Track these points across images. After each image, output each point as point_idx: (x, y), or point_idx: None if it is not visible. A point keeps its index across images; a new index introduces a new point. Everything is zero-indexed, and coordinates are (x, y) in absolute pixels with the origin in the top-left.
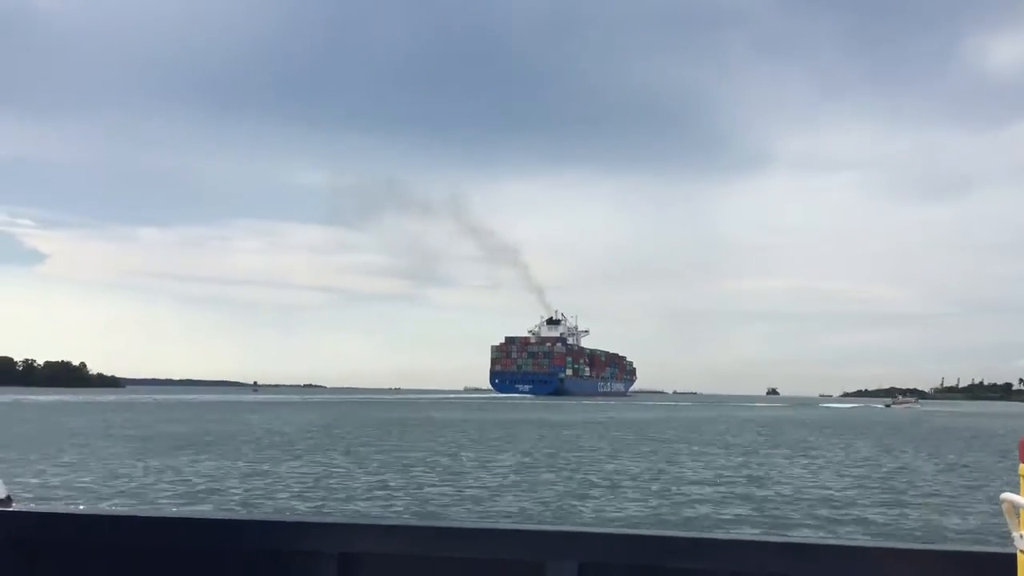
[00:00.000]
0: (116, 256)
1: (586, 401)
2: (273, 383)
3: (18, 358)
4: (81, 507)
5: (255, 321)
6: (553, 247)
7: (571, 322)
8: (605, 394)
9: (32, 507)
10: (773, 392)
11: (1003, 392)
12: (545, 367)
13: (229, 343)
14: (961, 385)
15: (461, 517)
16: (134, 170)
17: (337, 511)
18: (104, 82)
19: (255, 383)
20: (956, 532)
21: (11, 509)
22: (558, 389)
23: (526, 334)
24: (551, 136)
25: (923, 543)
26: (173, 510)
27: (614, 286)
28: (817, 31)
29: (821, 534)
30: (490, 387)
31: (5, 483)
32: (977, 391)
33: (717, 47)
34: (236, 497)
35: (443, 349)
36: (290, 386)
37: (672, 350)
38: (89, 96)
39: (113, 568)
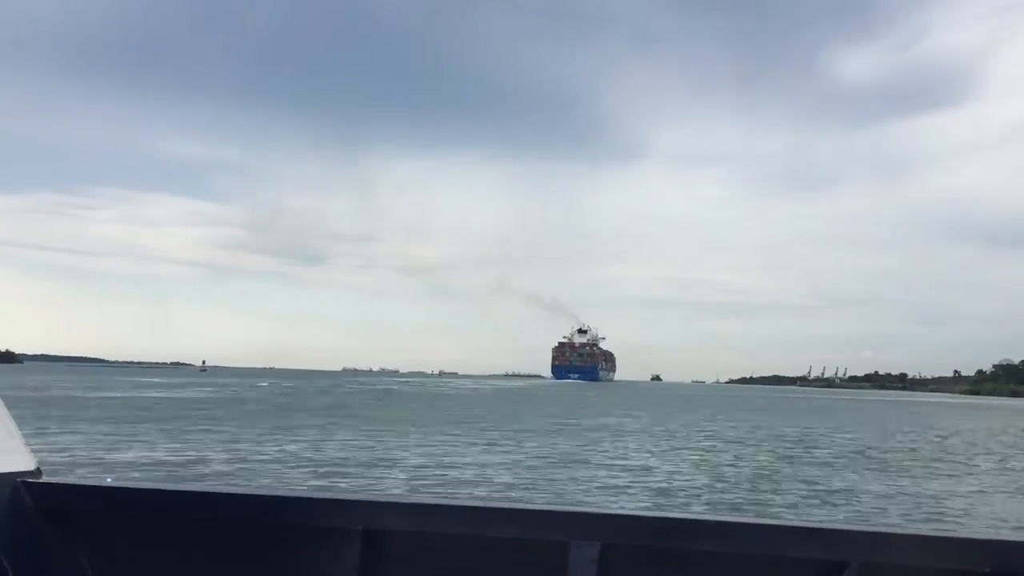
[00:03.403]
0: None
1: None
2: (135, 361)
3: None
4: (109, 480)
5: (113, 295)
6: (435, 229)
7: (593, 331)
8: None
9: (61, 479)
10: (657, 378)
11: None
12: (588, 362)
13: (95, 317)
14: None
15: (485, 496)
16: None
17: (361, 488)
18: None
19: (203, 362)
20: None
21: (41, 480)
22: (595, 378)
23: (563, 340)
24: (436, 118)
25: (952, 531)
26: (201, 485)
27: (495, 269)
28: (694, 30)
29: (850, 520)
30: (550, 375)
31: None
32: (877, 379)
33: (598, 41)
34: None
35: (320, 328)
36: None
37: (551, 337)
38: None
39: (141, 539)
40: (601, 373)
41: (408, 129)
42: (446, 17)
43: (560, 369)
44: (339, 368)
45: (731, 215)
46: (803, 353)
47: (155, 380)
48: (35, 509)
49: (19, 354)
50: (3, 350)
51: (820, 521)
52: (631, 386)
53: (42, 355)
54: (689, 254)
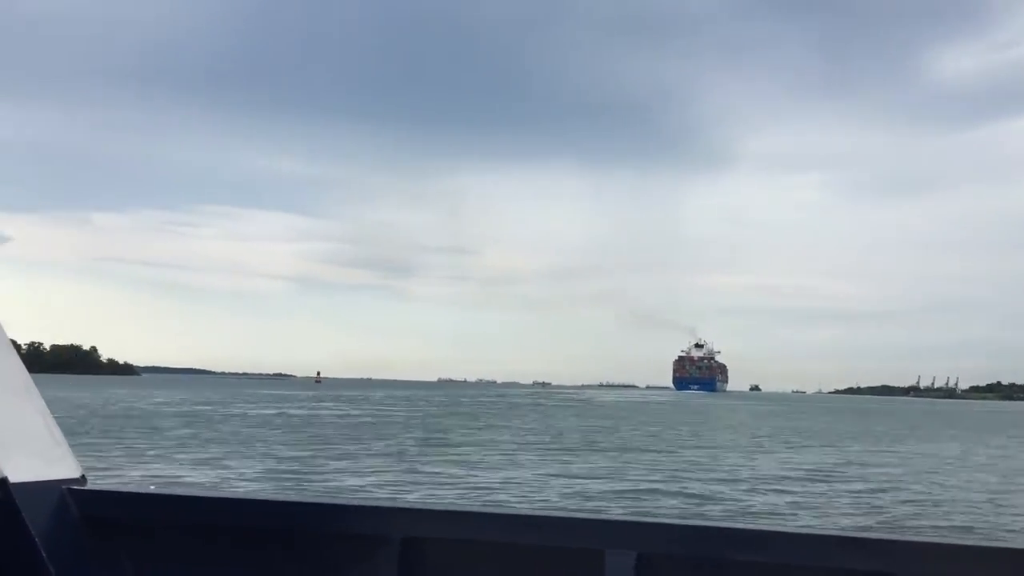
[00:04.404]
0: (77, 240)
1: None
2: (239, 372)
3: (23, 341)
4: (152, 487)
5: (218, 308)
6: (524, 241)
7: (709, 345)
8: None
9: (106, 486)
10: (755, 389)
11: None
12: (706, 374)
13: (200, 330)
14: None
15: (520, 505)
16: (93, 155)
17: (400, 497)
18: (65, 67)
19: (318, 373)
20: None
21: (86, 488)
22: (713, 389)
23: (681, 354)
24: (525, 130)
25: (1001, 541)
26: (241, 490)
27: (584, 279)
28: (784, 34)
29: (888, 528)
30: (671, 386)
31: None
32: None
33: (686, 49)
34: None
35: (414, 340)
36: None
37: (642, 346)
38: (48, 81)
39: (185, 546)
40: (718, 384)
41: (498, 141)
42: (534, 31)
43: (681, 381)
44: (435, 379)
45: (825, 220)
46: (908, 362)
47: (285, 392)
48: (80, 516)
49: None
50: (122, 363)
51: (864, 530)
52: (758, 397)
53: (154, 367)
54: (782, 261)
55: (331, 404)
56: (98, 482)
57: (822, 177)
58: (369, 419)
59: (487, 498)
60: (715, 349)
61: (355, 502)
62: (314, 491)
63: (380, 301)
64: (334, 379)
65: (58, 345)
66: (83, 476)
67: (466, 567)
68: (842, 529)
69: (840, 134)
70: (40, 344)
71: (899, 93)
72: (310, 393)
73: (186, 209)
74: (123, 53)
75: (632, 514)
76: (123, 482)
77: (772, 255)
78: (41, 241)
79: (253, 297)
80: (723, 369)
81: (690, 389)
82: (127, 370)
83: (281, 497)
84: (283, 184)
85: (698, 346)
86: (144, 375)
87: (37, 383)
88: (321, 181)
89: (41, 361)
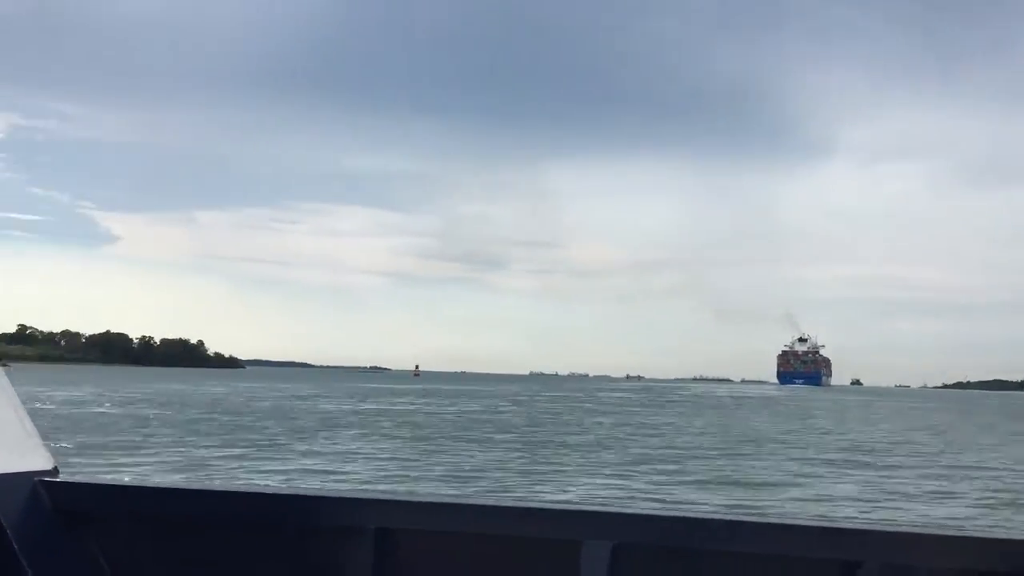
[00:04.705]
0: (182, 238)
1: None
2: (336, 365)
3: (134, 335)
4: (127, 479)
5: (314, 302)
6: (611, 233)
7: (813, 339)
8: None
9: (78, 478)
10: (857, 383)
11: None
12: (811, 369)
13: (298, 324)
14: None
15: (498, 495)
16: (196, 156)
17: (375, 488)
18: (169, 71)
19: (416, 367)
20: None
21: (58, 480)
22: (818, 383)
23: (785, 348)
24: (612, 121)
25: (969, 530)
26: (216, 484)
27: (673, 272)
28: (876, 19)
29: (862, 519)
30: (769, 380)
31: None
32: None
33: (780, 35)
34: None
35: (502, 333)
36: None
37: (734, 340)
38: (152, 84)
39: (157, 539)
40: (823, 379)
41: (584, 132)
42: (622, 22)
43: (785, 375)
44: (526, 372)
45: (925, 209)
46: (1021, 355)
47: (395, 387)
48: (52, 508)
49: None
50: (228, 356)
51: (834, 521)
52: (866, 391)
53: (256, 360)
54: (878, 252)
55: (499, 402)
56: (71, 474)
57: (921, 165)
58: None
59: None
60: (819, 343)
61: (329, 493)
62: (292, 483)
63: (469, 294)
64: (430, 372)
65: (168, 339)
66: (55, 468)
67: (441, 558)
68: (811, 518)
69: (940, 121)
70: (151, 338)
71: (999, 77)
72: (418, 387)
73: (284, 206)
74: (224, 55)
75: (608, 505)
76: (97, 475)
77: (869, 246)
78: (148, 240)
79: (347, 292)
80: (827, 363)
81: (794, 383)
82: (232, 363)
83: (255, 489)
84: (376, 180)
85: (801, 340)
86: (248, 368)
87: (159, 376)
88: (412, 177)
89: (151, 355)
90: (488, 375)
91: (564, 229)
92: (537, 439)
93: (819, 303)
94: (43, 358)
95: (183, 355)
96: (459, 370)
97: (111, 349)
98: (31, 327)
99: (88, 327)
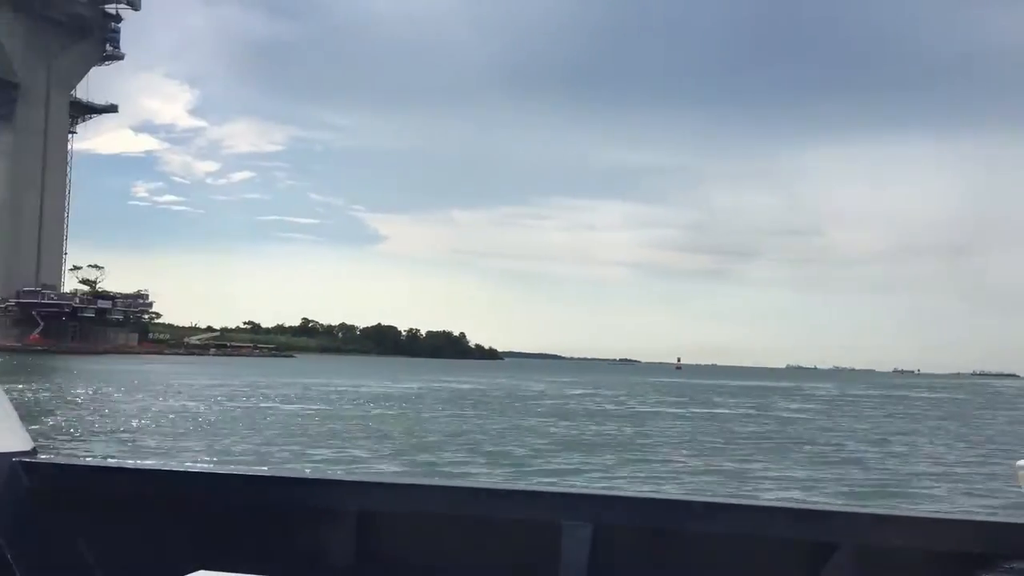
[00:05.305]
0: (441, 237)
1: None
2: (587, 357)
3: (403, 327)
4: (109, 460)
5: (565, 296)
6: (870, 218)
7: None
8: None
9: (57, 458)
10: None
11: None
12: None
13: (549, 318)
14: None
15: (480, 478)
16: (450, 157)
17: (357, 470)
18: (423, 79)
19: (679, 359)
20: None
21: (37, 460)
22: None
23: None
24: (869, 98)
25: (940, 512)
26: (197, 466)
27: (945, 258)
28: None
29: (839, 501)
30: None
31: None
32: None
33: None
34: None
35: (756, 325)
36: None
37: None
38: (409, 92)
39: (137, 520)
40: None
41: (840, 112)
42: None
43: None
44: (783, 366)
45: None
46: None
47: (681, 381)
48: (31, 489)
49: (526, 352)
50: (488, 348)
51: (810, 503)
52: None
53: (512, 352)
54: None
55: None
56: (50, 455)
57: None
58: None
59: None
60: None
61: (309, 475)
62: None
63: (720, 286)
64: (689, 365)
65: (432, 331)
66: (34, 449)
67: (423, 540)
68: (789, 501)
69: None
70: (417, 330)
71: None
72: (708, 382)
73: (536, 203)
74: (477, 58)
75: (588, 487)
76: (77, 455)
77: None
78: (411, 239)
79: (598, 285)
80: None
81: None
82: (492, 355)
83: (235, 470)
84: (625, 174)
85: None
86: (506, 360)
87: (447, 368)
88: (660, 169)
89: (418, 346)
90: (742, 368)
91: (822, 216)
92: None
93: None
94: (323, 349)
95: (447, 346)
96: (710, 363)
97: (383, 340)
98: (313, 321)
99: (361, 320)
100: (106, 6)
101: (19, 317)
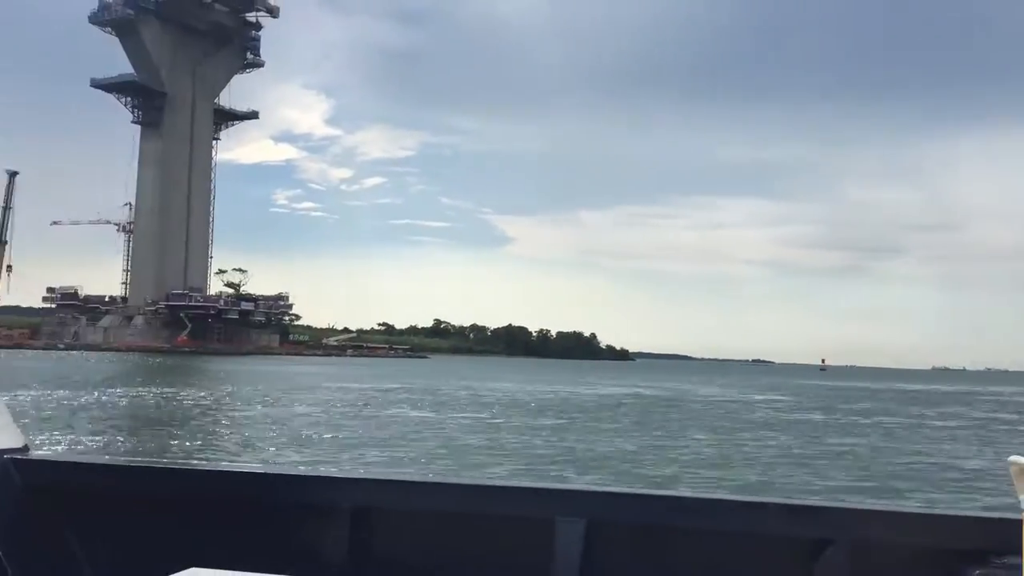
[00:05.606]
0: (568, 238)
1: None
2: (717, 358)
3: (533, 328)
4: (105, 457)
5: (693, 295)
6: (1016, 211)
7: None
8: None
9: (49, 456)
10: None
11: None
12: None
13: (677, 318)
14: None
15: (473, 474)
16: (576, 158)
17: (352, 467)
18: (548, 81)
19: (823, 361)
20: None
21: (29, 457)
22: None
23: None
24: (1011, 87)
25: (933, 508)
26: (192, 461)
27: None
28: None
29: (832, 497)
30: None
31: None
32: None
33: None
34: None
35: (896, 324)
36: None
37: None
38: (535, 95)
39: (128, 517)
40: None
41: (986, 100)
42: None
43: None
44: (928, 367)
45: None
46: None
47: (845, 384)
48: (23, 486)
49: (656, 353)
50: (619, 348)
51: (805, 499)
52: None
53: (641, 352)
54: None
55: None
56: (42, 452)
57: None
58: None
59: None
60: None
61: (303, 472)
62: (265, 462)
63: (857, 283)
64: (830, 367)
65: (563, 332)
66: (26, 446)
67: (417, 537)
68: (783, 497)
69: None
70: (548, 331)
71: None
72: (859, 385)
73: (662, 202)
74: (600, 59)
75: (582, 483)
76: (69, 452)
77: None
78: (539, 240)
79: (727, 284)
80: None
81: None
82: (623, 355)
83: (229, 468)
84: (755, 170)
85: None
86: (637, 360)
87: (595, 369)
88: (793, 165)
89: (548, 346)
90: (887, 370)
91: (966, 211)
92: None
93: None
94: (455, 350)
95: (577, 347)
96: (849, 364)
97: (513, 341)
98: (445, 322)
99: (492, 321)
100: (247, 14)
101: (168, 319)
